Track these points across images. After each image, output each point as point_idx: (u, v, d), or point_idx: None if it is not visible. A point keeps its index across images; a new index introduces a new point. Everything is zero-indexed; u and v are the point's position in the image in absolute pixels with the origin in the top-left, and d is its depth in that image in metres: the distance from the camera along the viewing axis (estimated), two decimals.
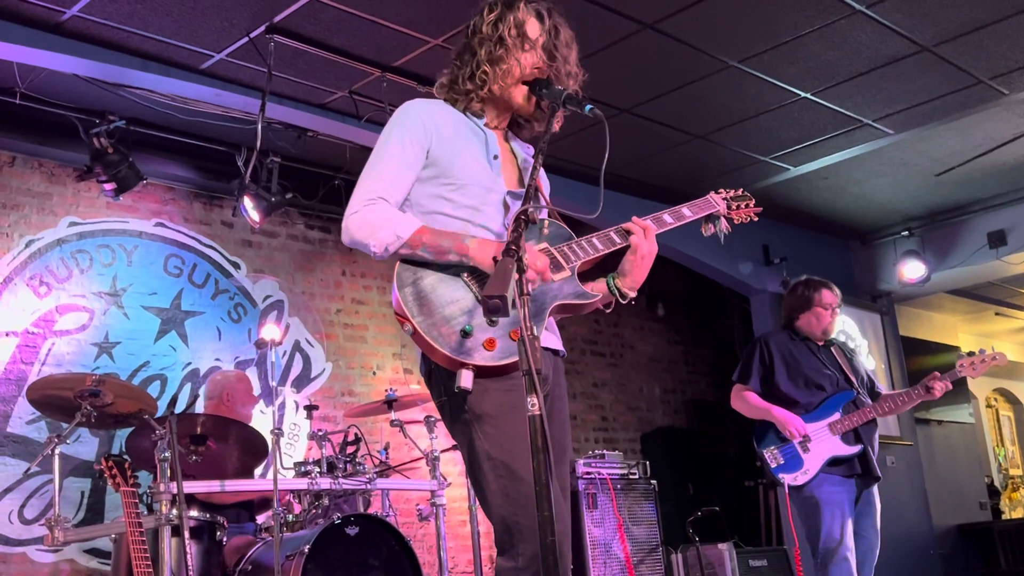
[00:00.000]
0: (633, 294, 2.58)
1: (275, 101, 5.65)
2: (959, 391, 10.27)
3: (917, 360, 9.71)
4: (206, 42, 5.10)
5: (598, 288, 2.56)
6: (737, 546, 6.78)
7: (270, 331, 5.25)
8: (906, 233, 8.98)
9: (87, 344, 5.93)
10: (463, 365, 2.28)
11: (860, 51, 5.65)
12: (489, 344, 2.32)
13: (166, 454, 4.10)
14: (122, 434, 5.60)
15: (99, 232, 6.16)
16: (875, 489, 4.78)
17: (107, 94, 5.45)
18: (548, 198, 2.62)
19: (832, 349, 4.97)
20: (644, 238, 2.55)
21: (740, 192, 2.96)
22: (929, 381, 4.81)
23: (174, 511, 4.09)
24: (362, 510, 5.06)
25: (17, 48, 4.83)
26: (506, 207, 2.54)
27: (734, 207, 2.93)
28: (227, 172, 6.43)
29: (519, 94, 2.59)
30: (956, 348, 10.69)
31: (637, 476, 6.71)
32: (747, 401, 4.88)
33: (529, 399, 1.99)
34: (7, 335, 5.66)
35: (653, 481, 6.77)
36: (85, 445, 5.78)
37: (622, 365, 9.11)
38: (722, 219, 2.90)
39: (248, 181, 5.87)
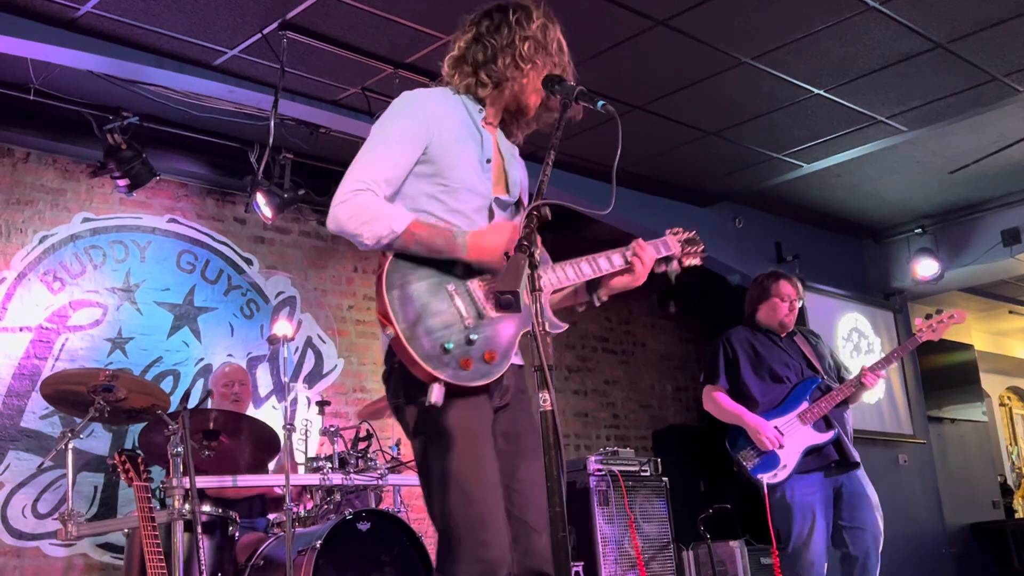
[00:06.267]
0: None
1: (288, 97, 5.66)
2: (971, 389, 10.24)
3: (930, 358, 9.68)
4: (219, 39, 5.12)
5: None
6: (748, 544, 6.77)
7: (282, 327, 5.26)
8: (919, 231, 8.95)
9: (100, 339, 5.96)
10: (436, 380, 2.30)
11: (874, 48, 5.63)
12: (465, 363, 2.34)
13: (179, 449, 4.12)
14: (135, 429, 5.62)
15: (112, 228, 6.18)
16: (862, 477, 4.68)
17: (121, 90, 5.47)
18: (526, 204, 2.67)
19: (795, 338, 4.93)
20: (643, 270, 2.69)
21: (692, 235, 2.96)
22: (861, 377, 4.67)
23: (187, 506, 4.10)
24: (374, 506, 5.07)
25: (31, 44, 4.85)
26: (491, 213, 2.57)
27: (686, 250, 2.94)
28: (240, 168, 6.44)
29: (536, 98, 2.63)
30: (970, 346, 10.65)
31: (648, 473, 6.70)
32: (718, 403, 4.83)
33: (540, 395, 2.01)
34: (21, 330, 5.69)
35: (664, 478, 6.76)
36: (98, 440, 5.81)
37: (634, 363, 9.10)
38: (675, 261, 2.90)
39: (260, 177, 5.88)
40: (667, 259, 2.87)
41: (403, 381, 2.41)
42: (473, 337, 2.37)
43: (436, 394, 2.29)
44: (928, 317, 4.84)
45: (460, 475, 2.35)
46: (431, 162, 2.50)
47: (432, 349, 2.32)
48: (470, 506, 2.32)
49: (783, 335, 4.93)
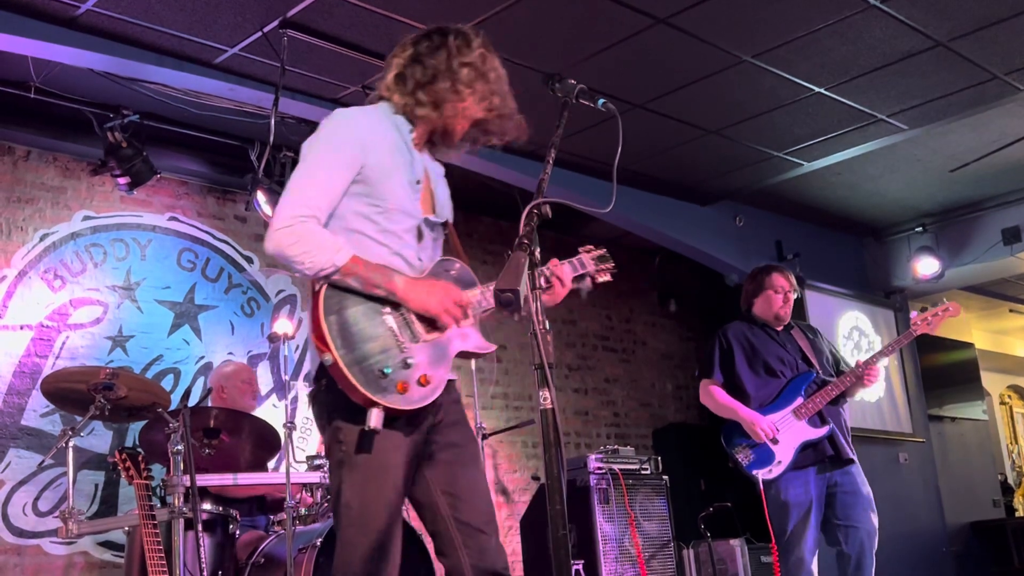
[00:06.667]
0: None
1: (288, 96, 5.65)
2: (972, 388, 10.24)
3: (931, 356, 9.68)
4: (220, 37, 5.12)
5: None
6: (749, 542, 6.77)
7: (283, 325, 5.26)
8: (920, 229, 8.94)
9: (101, 337, 5.96)
10: (375, 404, 2.33)
11: (874, 46, 5.63)
12: (402, 387, 2.38)
13: (179, 447, 4.12)
14: (136, 427, 5.62)
15: (113, 226, 6.18)
16: (857, 475, 4.68)
17: (121, 88, 5.47)
18: (452, 224, 2.74)
19: (792, 332, 4.93)
20: (563, 289, 2.73)
21: (603, 253, 3.00)
22: (860, 374, 4.68)
23: (187, 504, 4.10)
24: None
25: (32, 43, 4.84)
26: (419, 234, 2.60)
27: (599, 267, 2.97)
28: (240, 167, 6.44)
29: (464, 125, 2.66)
30: (970, 345, 10.65)
31: (649, 472, 6.70)
32: (713, 397, 4.83)
33: (541, 393, 2.01)
34: (21, 328, 5.69)
35: (665, 477, 6.76)
36: (99, 438, 5.81)
37: (634, 361, 9.09)
38: (588, 278, 2.94)
39: (261, 175, 5.88)
40: (581, 278, 2.92)
41: (333, 402, 2.43)
42: (410, 361, 2.42)
43: (375, 419, 2.32)
44: (923, 310, 4.86)
45: (366, 504, 2.42)
46: (365, 183, 2.52)
47: (370, 374, 2.35)
48: (369, 536, 2.40)
49: (779, 329, 4.92)
